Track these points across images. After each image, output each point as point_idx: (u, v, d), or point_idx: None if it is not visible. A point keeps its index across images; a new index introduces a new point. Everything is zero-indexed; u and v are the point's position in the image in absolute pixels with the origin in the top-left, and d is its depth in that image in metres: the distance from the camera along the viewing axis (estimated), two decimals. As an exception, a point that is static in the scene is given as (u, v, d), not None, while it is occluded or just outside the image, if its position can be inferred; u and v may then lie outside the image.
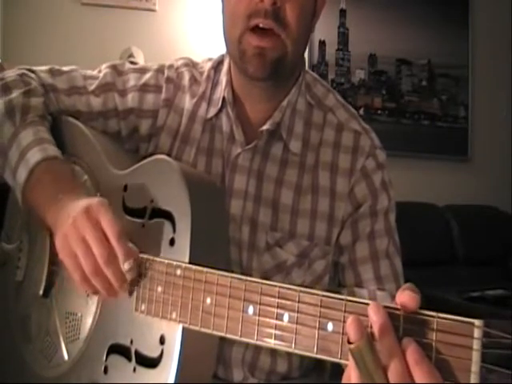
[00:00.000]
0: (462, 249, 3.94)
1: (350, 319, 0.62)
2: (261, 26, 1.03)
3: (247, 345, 1.11)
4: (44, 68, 1.19)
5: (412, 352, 0.59)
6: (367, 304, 0.63)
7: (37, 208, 1.00)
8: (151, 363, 0.87)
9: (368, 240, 1.14)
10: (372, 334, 0.61)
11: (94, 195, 1.03)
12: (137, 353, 0.89)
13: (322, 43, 4.09)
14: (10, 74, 1.14)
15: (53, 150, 1.03)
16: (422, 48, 4.28)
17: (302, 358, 1.16)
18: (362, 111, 4.11)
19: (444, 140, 4.34)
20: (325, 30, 4.06)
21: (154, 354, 0.87)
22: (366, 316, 0.62)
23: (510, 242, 3.93)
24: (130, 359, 0.90)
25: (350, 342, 0.61)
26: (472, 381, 0.55)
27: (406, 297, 0.61)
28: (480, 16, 4.39)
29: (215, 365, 1.07)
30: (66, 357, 1.02)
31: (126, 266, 0.85)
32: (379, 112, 4.21)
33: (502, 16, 4.36)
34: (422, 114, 4.30)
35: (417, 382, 0.58)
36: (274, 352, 1.13)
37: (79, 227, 0.87)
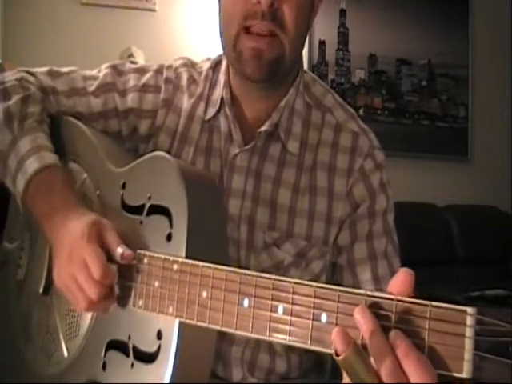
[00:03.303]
0: (461, 249, 3.94)
1: (334, 332, 0.63)
2: (257, 30, 1.02)
3: (246, 344, 1.11)
4: (43, 70, 1.19)
5: (400, 345, 0.59)
6: (361, 294, 0.63)
7: (35, 217, 1.02)
8: (149, 358, 0.87)
9: (366, 240, 1.13)
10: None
11: (93, 193, 1.05)
12: (134, 348, 0.89)
13: (322, 43, 4.09)
14: (10, 78, 1.14)
15: (50, 158, 1.04)
16: (422, 48, 4.29)
17: (301, 357, 1.17)
18: (361, 111, 4.11)
19: (444, 140, 4.34)
20: (325, 30, 4.06)
21: (152, 349, 0.87)
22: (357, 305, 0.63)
23: (509, 241, 3.94)
24: (127, 355, 0.90)
25: (337, 355, 0.62)
26: (465, 369, 0.55)
27: (400, 280, 0.62)
28: (480, 16, 4.39)
29: (214, 363, 1.07)
30: (65, 354, 1.02)
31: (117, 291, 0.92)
32: (379, 112, 4.21)
33: (502, 16, 4.37)
34: (422, 114, 4.31)
35: (407, 373, 0.58)
36: (272, 351, 1.13)
37: (69, 267, 0.91)
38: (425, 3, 4.27)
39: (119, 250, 0.89)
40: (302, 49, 1.13)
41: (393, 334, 0.60)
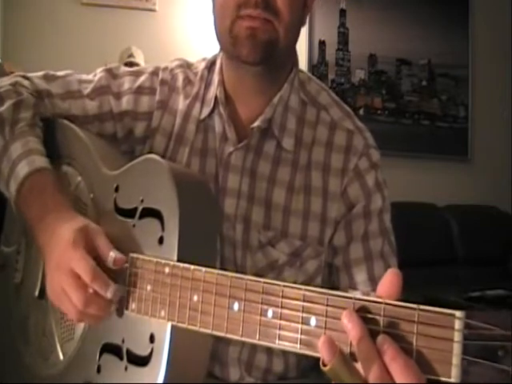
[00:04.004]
0: (461, 249, 3.94)
1: (320, 341, 0.62)
2: (252, 14, 1.03)
3: (243, 343, 1.10)
4: (39, 74, 1.20)
5: (387, 349, 0.58)
6: (349, 298, 0.63)
7: (28, 221, 1.02)
8: (142, 362, 0.86)
9: (362, 241, 1.12)
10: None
11: (87, 197, 1.05)
12: (128, 352, 0.89)
13: (322, 43, 4.09)
14: (4, 82, 1.14)
15: (41, 161, 1.04)
16: (422, 48, 4.30)
17: (299, 357, 1.16)
18: (361, 111, 4.12)
19: (444, 140, 4.35)
20: (325, 29, 4.07)
21: (145, 352, 0.86)
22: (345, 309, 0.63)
23: (509, 241, 3.94)
24: (121, 358, 0.90)
25: (324, 365, 0.61)
26: (453, 373, 0.55)
27: (387, 282, 0.62)
28: (480, 16, 4.39)
29: (211, 364, 1.07)
30: (61, 356, 1.02)
31: (109, 295, 0.87)
32: (379, 112, 4.21)
33: (502, 16, 4.37)
34: (422, 114, 4.32)
35: (394, 376, 0.58)
36: (270, 351, 1.13)
37: (57, 277, 0.91)
38: (425, 3, 4.28)
39: (112, 254, 0.88)
40: (296, 40, 1.13)
41: (380, 338, 0.60)
